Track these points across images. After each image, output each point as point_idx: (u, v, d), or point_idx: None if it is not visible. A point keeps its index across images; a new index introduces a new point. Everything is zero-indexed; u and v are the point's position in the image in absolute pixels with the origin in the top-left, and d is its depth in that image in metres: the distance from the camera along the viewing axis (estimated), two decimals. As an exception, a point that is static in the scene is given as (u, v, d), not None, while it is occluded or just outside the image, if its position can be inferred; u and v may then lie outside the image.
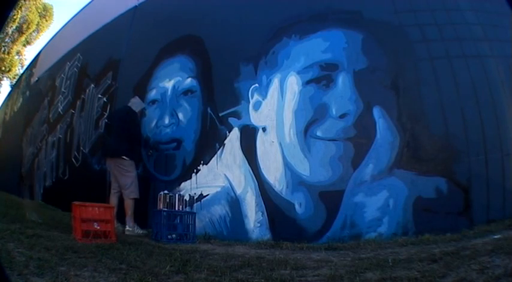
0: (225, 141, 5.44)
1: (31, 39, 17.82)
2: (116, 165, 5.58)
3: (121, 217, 5.44)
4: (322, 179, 4.71)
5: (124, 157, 5.56)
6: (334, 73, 4.86)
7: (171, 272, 3.18)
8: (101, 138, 7.13)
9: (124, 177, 5.53)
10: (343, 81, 4.81)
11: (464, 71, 4.59)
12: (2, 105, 14.17)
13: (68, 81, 9.06)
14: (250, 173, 5.16)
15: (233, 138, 5.39)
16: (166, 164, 6.05)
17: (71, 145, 8.22)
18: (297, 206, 4.78)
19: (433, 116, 4.58)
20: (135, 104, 5.96)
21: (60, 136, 8.80)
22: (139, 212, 5.62)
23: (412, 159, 4.52)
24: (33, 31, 17.50)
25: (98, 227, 4.28)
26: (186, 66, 6.19)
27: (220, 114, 5.57)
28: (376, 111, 4.64)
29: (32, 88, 11.27)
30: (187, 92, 6.08)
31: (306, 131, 4.88)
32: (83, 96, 8.25)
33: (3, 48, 17.13)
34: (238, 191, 5.21)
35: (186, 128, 5.95)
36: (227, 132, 5.45)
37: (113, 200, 5.53)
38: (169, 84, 6.31)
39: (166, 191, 5.34)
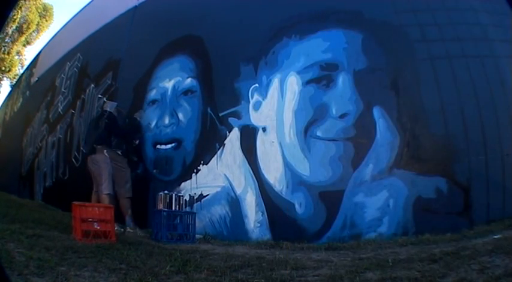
0: (225, 141, 5.44)
1: (31, 39, 17.81)
2: (90, 160, 5.61)
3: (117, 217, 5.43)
4: (322, 179, 4.71)
5: (96, 146, 5.56)
6: (334, 73, 4.86)
7: (171, 272, 3.18)
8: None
9: (96, 172, 5.46)
10: (343, 81, 4.80)
11: (464, 71, 4.58)
12: (2, 105, 14.15)
13: (68, 81, 9.06)
14: (250, 173, 5.15)
15: (233, 138, 5.38)
16: (166, 164, 6.05)
17: (71, 145, 8.22)
18: (297, 206, 4.78)
19: (433, 116, 4.57)
20: (109, 104, 6.12)
21: (60, 136, 8.79)
22: (140, 212, 5.62)
23: (412, 159, 4.52)
24: (33, 31, 17.49)
25: (98, 227, 4.27)
26: (186, 66, 6.18)
27: (220, 114, 5.57)
28: (376, 111, 4.64)
29: (32, 88, 11.26)
30: (187, 92, 6.08)
31: (306, 131, 4.88)
32: (83, 96, 8.25)
33: (3, 48, 17.11)
34: (238, 191, 5.21)
35: (186, 128, 5.95)
36: (227, 132, 5.45)
37: (94, 199, 5.48)
38: (169, 84, 6.30)
39: (166, 191, 5.34)
